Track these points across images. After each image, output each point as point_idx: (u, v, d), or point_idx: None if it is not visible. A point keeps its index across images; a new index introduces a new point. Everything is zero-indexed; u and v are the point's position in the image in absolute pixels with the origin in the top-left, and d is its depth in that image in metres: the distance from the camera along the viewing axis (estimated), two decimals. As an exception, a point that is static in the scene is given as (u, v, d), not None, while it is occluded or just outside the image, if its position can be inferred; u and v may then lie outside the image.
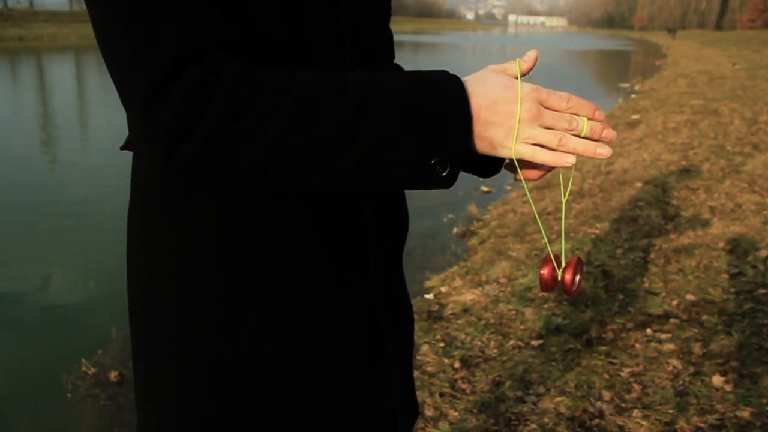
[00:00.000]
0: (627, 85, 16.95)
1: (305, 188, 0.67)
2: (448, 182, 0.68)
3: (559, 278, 0.78)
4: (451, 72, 0.69)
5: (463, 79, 0.70)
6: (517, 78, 0.70)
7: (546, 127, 0.69)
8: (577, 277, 0.79)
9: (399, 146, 0.65)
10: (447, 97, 0.66)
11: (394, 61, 0.92)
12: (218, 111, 0.60)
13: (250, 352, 0.75)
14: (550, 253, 0.79)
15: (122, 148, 0.80)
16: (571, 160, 0.69)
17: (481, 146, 0.69)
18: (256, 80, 0.63)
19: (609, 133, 0.71)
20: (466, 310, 3.28)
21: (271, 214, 0.72)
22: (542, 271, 0.78)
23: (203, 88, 0.60)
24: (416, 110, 0.65)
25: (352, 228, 0.78)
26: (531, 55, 0.72)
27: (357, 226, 0.78)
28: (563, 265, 0.78)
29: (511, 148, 0.68)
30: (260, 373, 0.76)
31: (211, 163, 0.63)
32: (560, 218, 4.73)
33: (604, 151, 0.70)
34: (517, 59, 0.71)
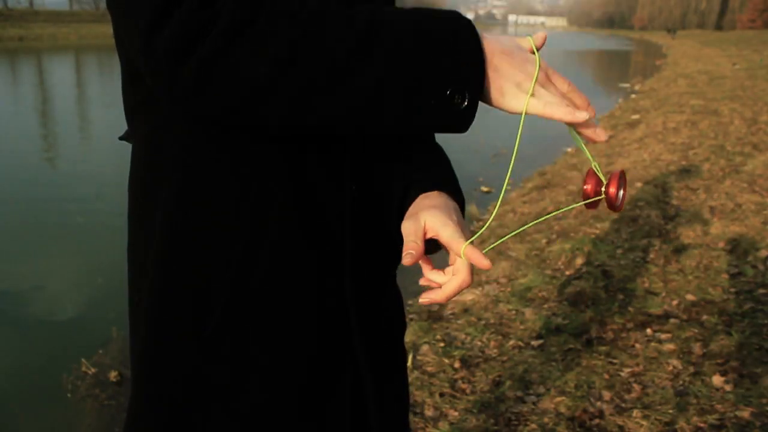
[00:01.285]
0: (627, 85, 16.95)
1: (309, 119, 0.63)
2: (466, 118, 0.65)
3: (603, 192, 0.74)
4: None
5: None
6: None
7: None
8: (621, 192, 0.76)
9: (414, 70, 0.62)
10: (462, 27, 0.64)
11: None
12: (232, 15, 0.59)
13: (213, 338, 0.75)
14: (595, 167, 0.74)
15: (121, 138, 0.81)
16: (583, 115, 0.66)
17: (489, 94, 0.66)
18: None
19: (601, 133, 0.70)
20: (466, 310, 3.28)
21: (257, 196, 0.73)
22: (586, 186, 0.75)
23: (211, 4, 0.60)
24: (431, 35, 0.63)
25: (326, 232, 0.76)
26: (541, 36, 0.71)
27: (331, 231, 0.77)
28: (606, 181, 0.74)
29: (521, 99, 0.65)
30: (220, 359, 0.76)
31: (217, 78, 0.60)
32: (560, 217, 4.74)
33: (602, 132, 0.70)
34: (529, 36, 0.71)
